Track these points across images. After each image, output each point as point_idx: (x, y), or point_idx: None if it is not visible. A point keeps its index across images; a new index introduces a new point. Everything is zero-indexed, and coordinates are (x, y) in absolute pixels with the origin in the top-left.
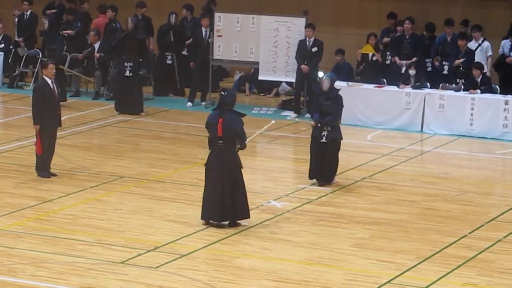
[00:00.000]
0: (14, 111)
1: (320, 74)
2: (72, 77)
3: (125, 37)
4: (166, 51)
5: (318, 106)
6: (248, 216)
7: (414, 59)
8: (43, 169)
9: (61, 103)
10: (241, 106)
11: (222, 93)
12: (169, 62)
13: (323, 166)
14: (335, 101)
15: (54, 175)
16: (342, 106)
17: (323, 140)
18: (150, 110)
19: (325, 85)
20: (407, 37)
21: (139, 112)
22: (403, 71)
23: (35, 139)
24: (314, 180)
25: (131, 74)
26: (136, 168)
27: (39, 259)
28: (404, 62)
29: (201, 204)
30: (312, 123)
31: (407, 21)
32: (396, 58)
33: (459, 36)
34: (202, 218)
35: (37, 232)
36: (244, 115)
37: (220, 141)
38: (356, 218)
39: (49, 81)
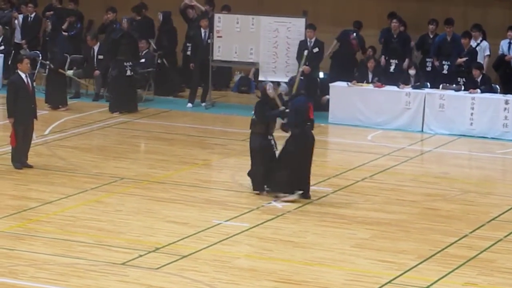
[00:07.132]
0: None
1: (321, 75)
2: (72, 79)
3: (120, 37)
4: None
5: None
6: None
7: (407, 60)
8: (18, 160)
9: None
10: (240, 107)
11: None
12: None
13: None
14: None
15: (30, 166)
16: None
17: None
18: (150, 111)
19: (270, 93)
20: (395, 36)
21: (134, 110)
22: (392, 69)
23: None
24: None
25: (132, 73)
26: (136, 169)
27: (40, 260)
28: (392, 61)
29: (201, 204)
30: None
31: (394, 20)
32: (382, 57)
33: (463, 34)
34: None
35: (38, 234)
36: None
37: (308, 123)
38: (357, 218)
39: (23, 76)
